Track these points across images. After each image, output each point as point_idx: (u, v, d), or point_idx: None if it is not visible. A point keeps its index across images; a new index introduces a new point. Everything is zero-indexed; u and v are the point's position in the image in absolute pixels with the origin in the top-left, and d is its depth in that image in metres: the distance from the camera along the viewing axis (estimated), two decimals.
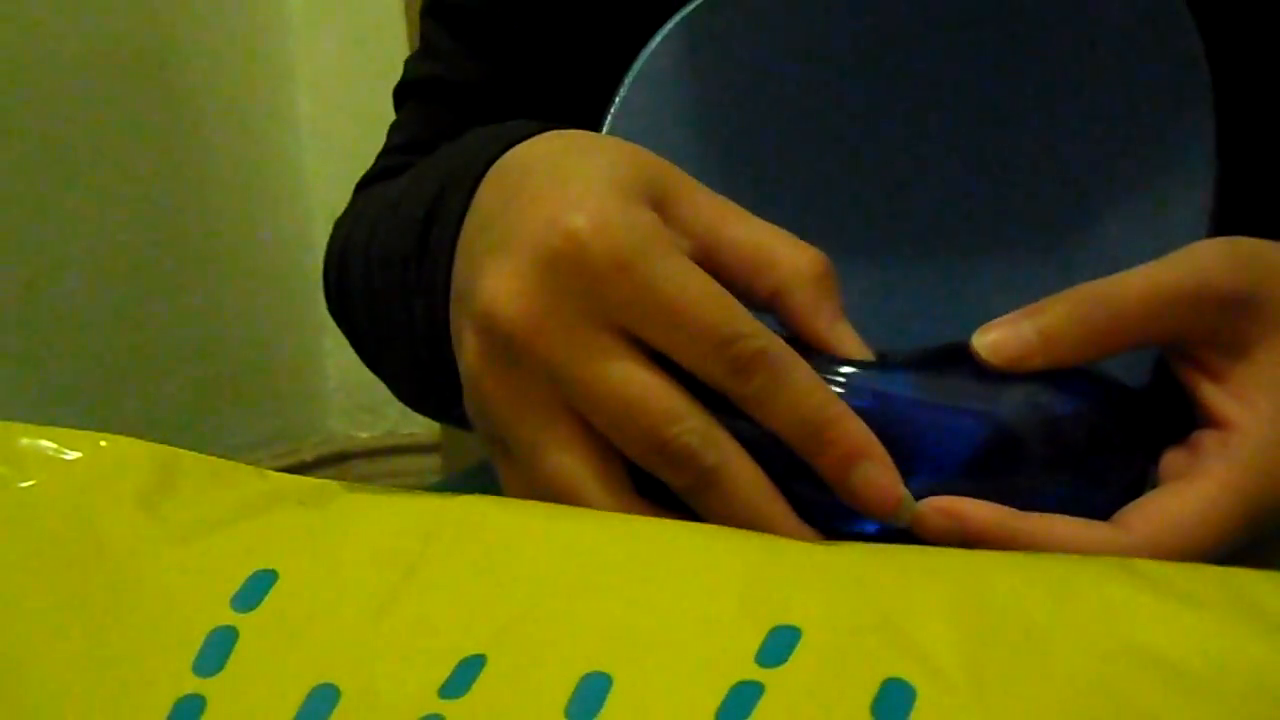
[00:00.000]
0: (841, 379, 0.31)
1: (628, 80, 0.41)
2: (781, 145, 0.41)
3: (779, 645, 0.24)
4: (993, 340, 0.31)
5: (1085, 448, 0.32)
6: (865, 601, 0.25)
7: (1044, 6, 0.39)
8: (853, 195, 0.40)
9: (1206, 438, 0.32)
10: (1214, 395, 0.32)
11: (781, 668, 0.24)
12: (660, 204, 0.31)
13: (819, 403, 0.30)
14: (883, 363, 0.32)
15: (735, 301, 0.30)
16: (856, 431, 0.30)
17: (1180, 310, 0.31)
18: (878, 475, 0.30)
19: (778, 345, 0.30)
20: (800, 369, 0.30)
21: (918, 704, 0.23)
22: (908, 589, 0.25)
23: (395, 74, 0.60)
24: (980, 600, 0.25)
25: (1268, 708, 0.22)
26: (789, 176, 0.41)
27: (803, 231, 0.40)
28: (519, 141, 0.35)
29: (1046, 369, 0.31)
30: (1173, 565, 0.26)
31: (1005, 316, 0.32)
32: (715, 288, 0.30)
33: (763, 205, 0.40)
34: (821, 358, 0.32)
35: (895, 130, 0.40)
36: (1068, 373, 0.32)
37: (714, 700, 0.23)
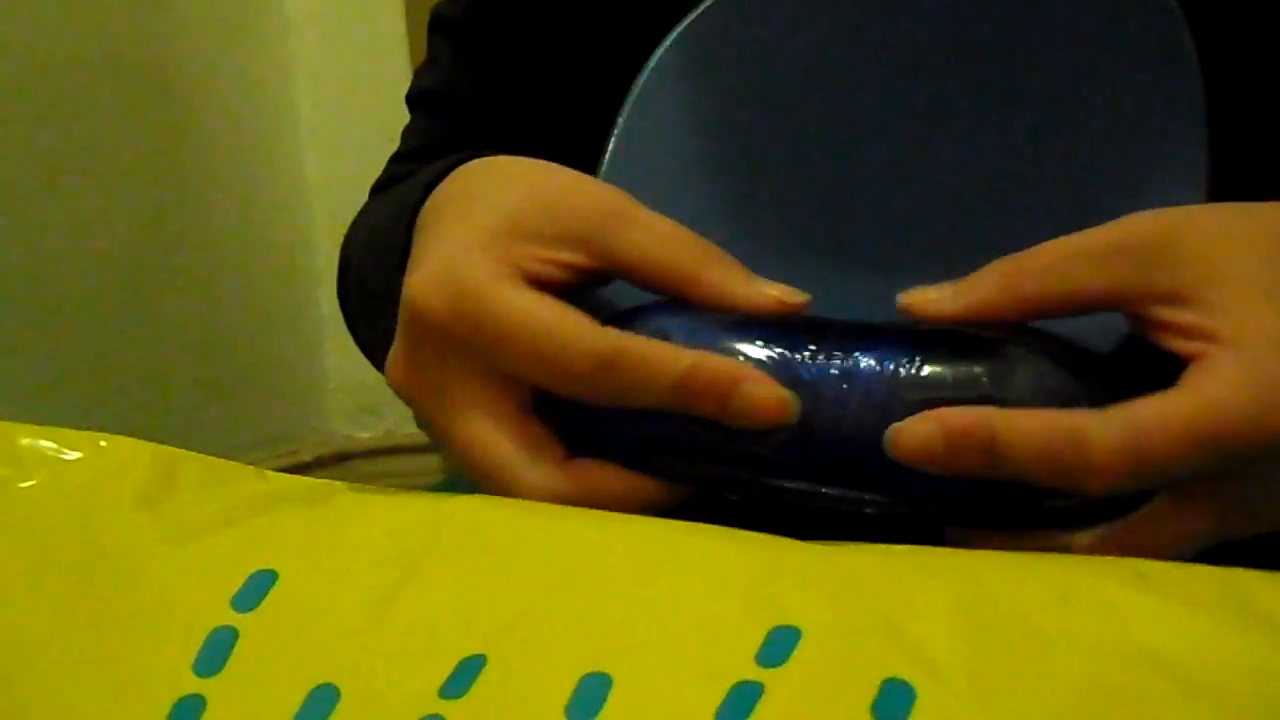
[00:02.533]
0: (814, 371, 0.31)
1: (630, 96, 0.41)
2: (786, 154, 0.41)
3: (779, 645, 0.24)
4: (911, 293, 0.32)
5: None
6: (865, 601, 0.25)
7: (1040, 21, 0.39)
8: (854, 202, 0.40)
9: (1187, 370, 0.31)
10: (1177, 342, 0.32)
11: (781, 668, 0.24)
12: (555, 237, 0.33)
13: (669, 365, 0.30)
14: (862, 339, 0.32)
15: (565, 314, 0.31)
16: (716, 367, 0.30)
17: (1101, 260, 0.32)
18: (753, 390, 0.30)
19: (605, 340, 0.31)
20: (635, 346, 0.31)
21: (918, 704, 0.23)
22: (908, 589, 0.25)
23: (396, 75, 0.60)
24: (980, 600, 0.25)
25: (1268, 708, 0.22)
26: (795, 184, 0.41)
27: (805, 237, 0.40)
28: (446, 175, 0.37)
29: (966, 319, 0.32)
30: (1173, 565, 0.26)
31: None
32: (542, 308, 0.31)
33: (771, 213, 0.40)
34: (789, 343, 0.32)
35: (894, 138, 0.40)
36: (1054, 343, 0.32)
37: (714, 700, 0.23)
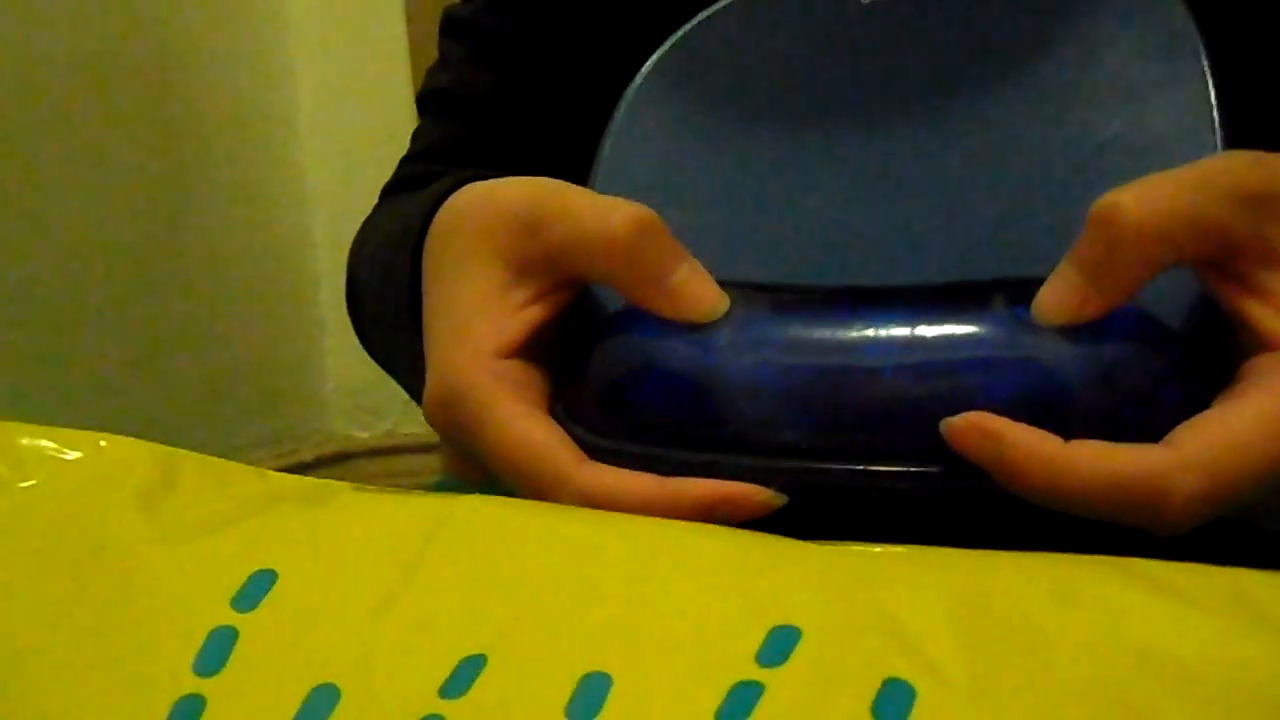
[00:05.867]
0: (865, 339, 0.31)
1: (624, 100, 0.41)
2: (782, 157, 0.40)
3: (779, 645, 0.24)
4: (1046, 298, 0.30)
5: (1136, 394, 0.30)
6: (865, 601, 0.25)
7: (1031, 23, 0.39)
8: (850, 201, 0.40)
9: (1259, 361, 0.29)
10: (1261, 313, 0.30)
11: (781, 668, 0.24)
12: (513, 254, 0.34)
13: (642, 502, 0.31)
14: (908, 310, 0.31)
15: (548, 449, 0.32)
16: (695, 496, 0.31)
17: (1225, 205, 0.29)
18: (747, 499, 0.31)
19: (581, 483, 0.31)
20: (603, 488, 0.31)
21: (918, 704, 0.23)
22: (908, 589, 0.25)
23: (395, 75, 0.61)
24: (980, 600, 0.25)
25: (1268, 708, 0.22)
26: (791, 189, 0.40)
27: (800, 242, 0.39)
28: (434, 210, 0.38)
29: (1112, 308, 0.29)
30: (1173, 565, 0.26)
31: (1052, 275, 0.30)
32: (528, 443, 0.32)
33: (763, 219, 0.40)
34: (850, 319, 0.31)
35: (887, 141, 0.39)
36: (1114, 315, 0.30)
37: (714, 700, 0.23)
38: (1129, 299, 0.30)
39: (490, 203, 0.35)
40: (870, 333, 0.31)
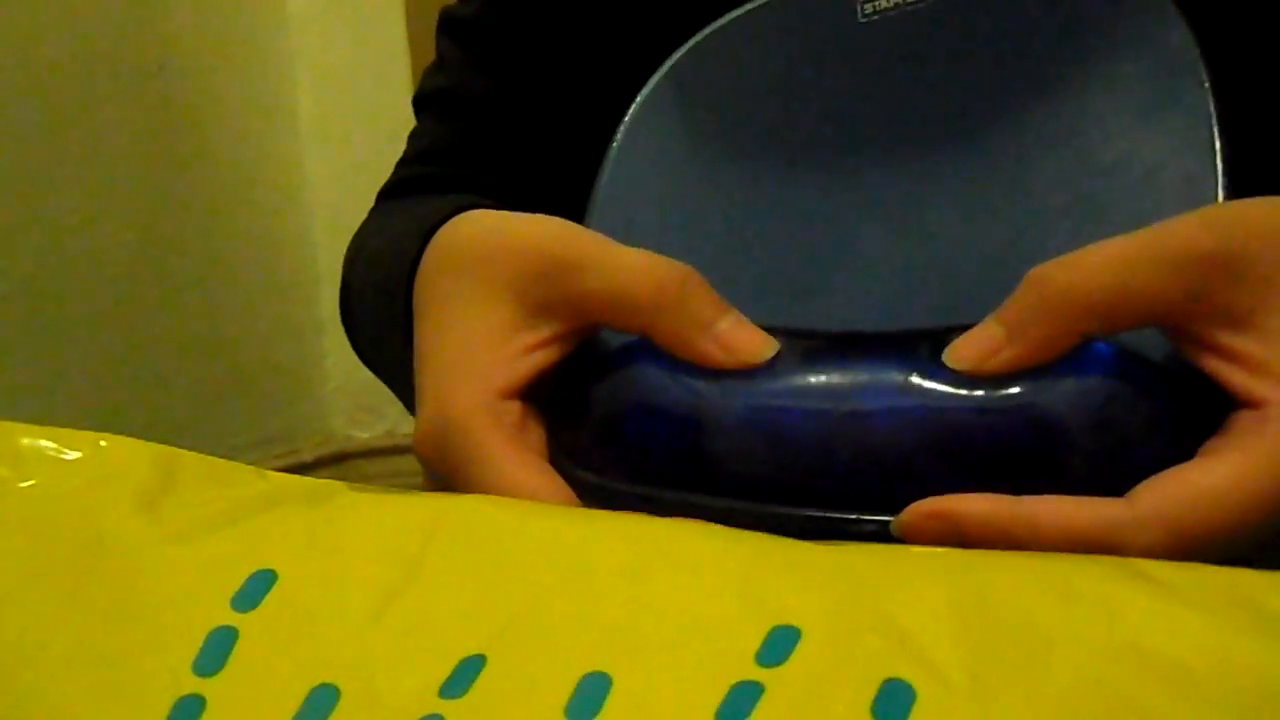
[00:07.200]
0: (858, 385, 0.31)
1: (616, 139, 0.41)
2: (784, 176, 0.40)
3: (779, 645, 0.24)
4: (959, 345, 0.31)
5: (1130, 440, 0.30)
6: (865, 601, 0.25)
7: (1032, 45, 0.39)
8: (853, 221, 0.39)
9: (1242, 417, 0.29)
10: (1237, 376, 0.29)
11: (781, 668, 0.24)
12: (531, 296, 0.34)
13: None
14: (901, 356, 0.31)
15: (541, 489, 0.32)
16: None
17: (1157, 276, 0.29)
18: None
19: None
20: None
21: (918, 704, 0.23)
22: (908, 589, 0.25)
23: (395, 74, 0.60)
24: (980, 600, 0.25)
25: (1268, 708, 0.22)
26: (790, 218, 0.40)
27: (807, 274, 0.39)
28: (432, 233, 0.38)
29: (1023, 365, 0.30)
30: (1174, 565, 0.26)
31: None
32: (523, 483, 0.32)
33: (762, 239, 0.39)
34: (843, 365, 0.31)
35: (886, 167, 0.39)
36: (1106, 356, 0.30)
37: (714, 700, 0.23)
38: (1046, 360, 0.30)
39: (507, 238, 0.35)
40: (864, 378, 0.31)
